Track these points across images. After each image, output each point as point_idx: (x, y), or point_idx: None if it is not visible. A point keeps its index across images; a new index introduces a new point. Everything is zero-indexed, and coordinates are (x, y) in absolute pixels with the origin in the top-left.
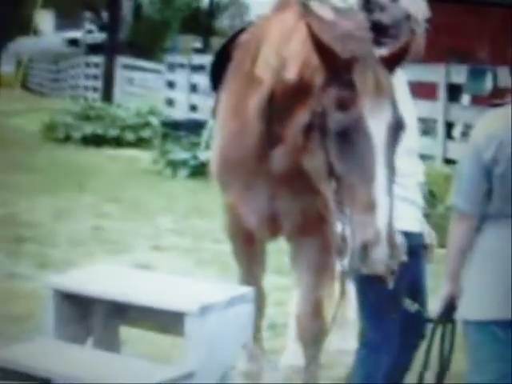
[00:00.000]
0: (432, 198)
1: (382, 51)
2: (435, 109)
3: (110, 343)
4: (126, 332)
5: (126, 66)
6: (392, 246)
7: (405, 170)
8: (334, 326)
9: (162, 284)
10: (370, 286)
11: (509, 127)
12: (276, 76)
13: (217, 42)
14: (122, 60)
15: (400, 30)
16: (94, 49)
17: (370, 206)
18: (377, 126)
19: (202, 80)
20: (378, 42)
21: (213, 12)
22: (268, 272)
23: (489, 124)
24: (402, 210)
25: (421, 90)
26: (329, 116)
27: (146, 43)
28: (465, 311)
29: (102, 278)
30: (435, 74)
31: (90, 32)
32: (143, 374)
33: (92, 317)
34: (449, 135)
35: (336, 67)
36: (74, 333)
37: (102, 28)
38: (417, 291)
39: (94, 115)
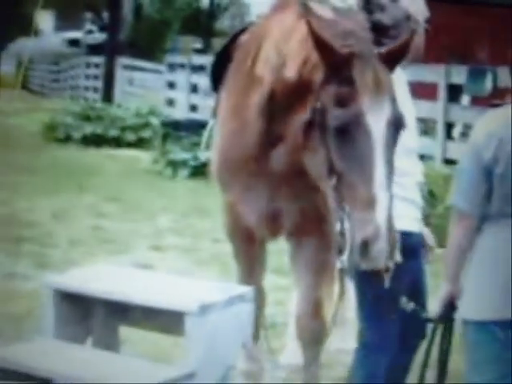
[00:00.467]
0: (431, 198)
1: (382, 49)
2: (435, 109)
3: (110, 343)
4: (126, 332)
5: (127, 67)
6: (391, 241)
7: (404, 170)
8: (334, 326)
9: (162, 284)
10: (368, 285)
11: (509, 127)
12: (276, 74)
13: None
14: (122, 60)
15: (400, 30)
16: (94, 49)
17: (370, 203)
18: (376, 122)
19: (203, 80)
20: (378, 43)
21: (213, 12)
22: (268, 272)
23: (488, 123)
24: (401, 209)
25: (421, 90)
26: (328, 113)
27: (147, 43)
28: (464, 311)
29: (101, 277)
30: (435, 74)
31: (90, 32)
32: (144, 374)
33: (92, 316)
34: (449, 135)
35: (335, 64)
36: (74, 332)
37: (102, 28)
38: (417, 291)
39: (94, 115)
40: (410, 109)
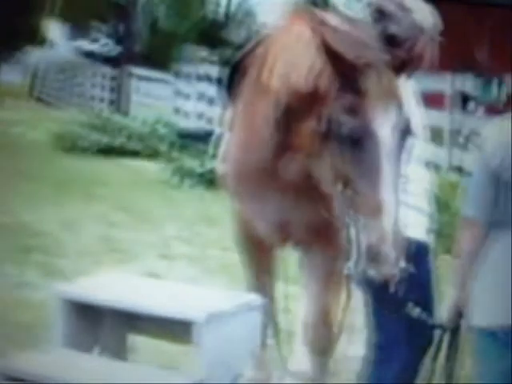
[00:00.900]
0: (438, 205)
1: (393, 59)
2: (442, 117)
3: (118, 351)
4: (134, 340)
5: (140, 77)
6: (397, 247)
7: (411, 177)
8: (342, 332)
9: (170, 292)
10: (375, 292)
11: None
12: (287, 85)
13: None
14: (135, 71)
15: (414, 42)
16: (108, 61)
17: (378, 210)
18: (385, 130)
19: (216, 91)
20: (392, 54)
21: (227, 24)
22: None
23: (497, 130)
24: (409, 216)
25: (428, 99)
26: (338, 121)
27: (161, 55)
28: (472, 317)
29: (110, 286)
30: (442, 82)
31: (105, 45)
32: (153, 382)
33: (100, 325)
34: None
35: (348, 74)
36: (82, 341)
37: (117, 41)
38: (424, 298)
39: (104, 125)
40: (418, 117)
